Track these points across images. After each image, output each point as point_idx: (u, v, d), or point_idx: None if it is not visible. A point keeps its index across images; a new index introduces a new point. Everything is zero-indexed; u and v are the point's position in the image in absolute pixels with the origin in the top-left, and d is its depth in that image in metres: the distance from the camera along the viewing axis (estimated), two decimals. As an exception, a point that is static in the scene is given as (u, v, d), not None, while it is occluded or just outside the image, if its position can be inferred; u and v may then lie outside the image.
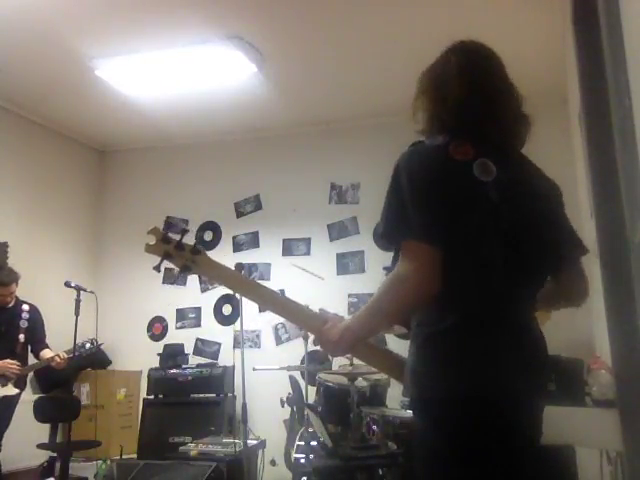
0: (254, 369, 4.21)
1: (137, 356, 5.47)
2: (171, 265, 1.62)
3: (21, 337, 4.25)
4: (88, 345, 4.17)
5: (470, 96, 1.46)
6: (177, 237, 1.61)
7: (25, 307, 4.33)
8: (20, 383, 4.19)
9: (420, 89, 1.58)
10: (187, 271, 1.63)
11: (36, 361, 4.29)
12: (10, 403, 4.11)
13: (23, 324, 4.28)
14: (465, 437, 1.31)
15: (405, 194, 1.38)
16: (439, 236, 1.33)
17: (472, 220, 1.37)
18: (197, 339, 5.58)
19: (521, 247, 1.40)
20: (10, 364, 4.07)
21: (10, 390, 4.10)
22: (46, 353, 4.27)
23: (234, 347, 4.91)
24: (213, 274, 1.70)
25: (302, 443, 3.80)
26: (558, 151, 4.74)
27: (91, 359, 4.41)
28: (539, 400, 1.44)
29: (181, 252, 1.61)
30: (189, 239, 1.61)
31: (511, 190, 1.41)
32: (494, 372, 1.33)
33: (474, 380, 1.32)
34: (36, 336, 4.35)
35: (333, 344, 1.48)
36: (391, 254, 1.58)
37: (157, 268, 1.68)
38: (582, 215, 4.08)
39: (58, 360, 4.10)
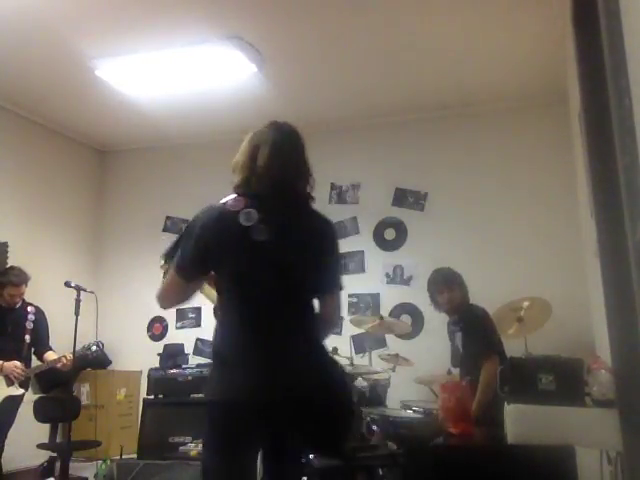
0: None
1: (137, 356, 5.46)
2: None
3: (27, 338, 4.26)
4: (94, 347, 4.18)
5: (272, 163, 1.93)
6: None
7: (31, 309, 4.35)
8: (25, 383, 4.21)
9: (240, 150, 2.04)
10: None
11: (39, 363, 4.30)
12: (15, 403, 4.12)
13: (29, 325, 4.29)
14: (208, 423, 1.85)
15: (183, 235, 1.93)
16: (188, 265, 1.88)
17: (236, 253, 1.86)
18: (197, 339, 5.58)
19: (284, 273, 1.86)
20: (15, 367, 4.09)
21: (16, 390, 4.11)
22: (50, 355, 4.29)
23: (234, 347, 4.91)
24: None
25: (302, 443, 3.79)
26: (558, 151, 4.74)
27: (92, 359, 4.42)
28: (291, 406, 1.78)
29: None
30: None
31: (276, 232, 1.86)
32: (230, 383, 1.80)
33: (220, 387, 1.83)
34: (40, 338, 4.36)
35: None
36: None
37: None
38: (582, 215, 4.08)
39: (65, 362, 4.11)
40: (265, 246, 1.84)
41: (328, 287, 2.00)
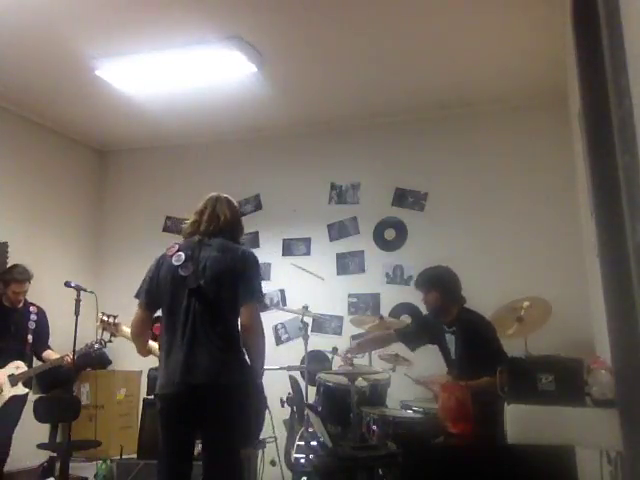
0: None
1: (137, 356, 5.43)
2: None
3: (29, 338, 4.29)
4: (97, 345, 4.19)
5: (204, 218, 2.81)
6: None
7: (33, 309, 4.38)
8: (29, 383, 4.22)
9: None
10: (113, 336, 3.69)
11: (40, 362, 4.31)
12: (19, 403, 4.13)
13: (31, 325, 4.32)
14: (157, 411, 2.67)
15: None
16: (145, 299, 2.81)
17: (168, 287, 2.69)
18: (197, 339, 5.58)
19: (200, 298, 2.61)
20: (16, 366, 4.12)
21: (20, 390, 4.12)
22: (50, 354, 4.30)
23: (234, 347, 4.91)
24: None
25: (302, 443, 3.80)
26: (558, 151, 4.75)
27: (94, 357, 4.43)
28: (187, 396, 2.57)
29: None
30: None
31: (197, 267, 2.65)
32: (161, 381, 2.64)
33: (159, 384, 2.67)
34: (42, 338, 4.38)
35: None
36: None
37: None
38: (582, 215, 4.08)
39: (69, 360, 4.12)
40: (187, 279, 2.63)
41: (243, 300, 2.63)
